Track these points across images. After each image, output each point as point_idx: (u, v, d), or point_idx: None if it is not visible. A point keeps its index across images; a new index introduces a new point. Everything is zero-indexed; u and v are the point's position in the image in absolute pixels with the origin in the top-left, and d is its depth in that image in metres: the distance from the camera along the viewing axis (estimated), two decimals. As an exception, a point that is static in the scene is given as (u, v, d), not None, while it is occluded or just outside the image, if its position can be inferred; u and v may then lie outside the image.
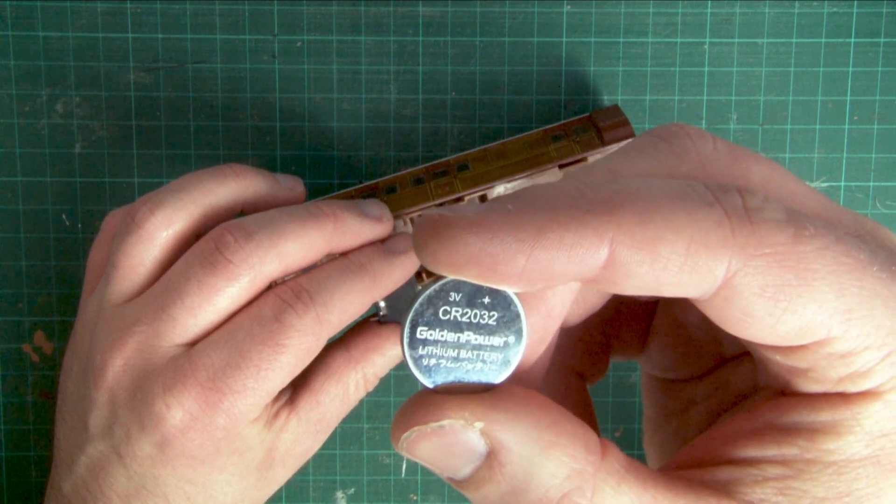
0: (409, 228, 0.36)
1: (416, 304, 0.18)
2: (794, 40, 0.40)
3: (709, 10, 0.40)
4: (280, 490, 0.42)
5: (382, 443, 0.42)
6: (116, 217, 0.36)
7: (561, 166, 0.35)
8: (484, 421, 0.17)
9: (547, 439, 0.17)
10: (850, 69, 0.40)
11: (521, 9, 0.40)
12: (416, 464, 0.42)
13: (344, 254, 0.33)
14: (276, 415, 0.33)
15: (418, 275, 0.37)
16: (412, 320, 0.18)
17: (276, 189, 0.35)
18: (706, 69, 0.40)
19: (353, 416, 0.42)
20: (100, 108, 0.40)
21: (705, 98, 0.41)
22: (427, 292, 0.17)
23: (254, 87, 0.40)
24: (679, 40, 0.40)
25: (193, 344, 0.31)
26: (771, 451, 0.17)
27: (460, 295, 0.18)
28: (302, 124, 0.41)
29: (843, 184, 0.41)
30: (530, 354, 0.19)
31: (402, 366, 0.38)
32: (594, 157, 0.35)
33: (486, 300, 0.18)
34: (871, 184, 0.41)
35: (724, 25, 0.40)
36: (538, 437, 0.17)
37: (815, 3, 0.40)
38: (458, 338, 0.18)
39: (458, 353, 0.18)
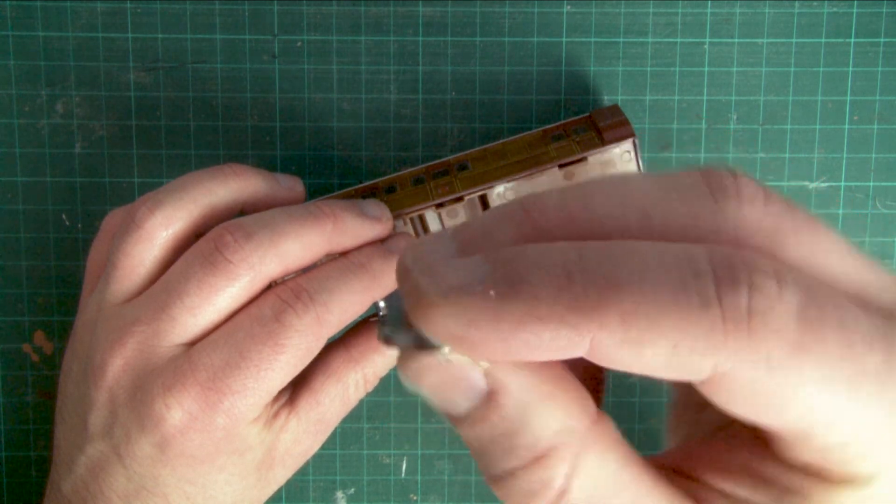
0: (410, 228, 0.36)
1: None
2: (794, 40, 0.40)
3: (709, 10, 0.40)
4: (280, 490, 0.42)
5: (382, 443, 0.42)
6: (116, 217, 0.36)
7: (561, 166, 0.35)
8: (490, 362, 0.17)
9: (546, 391, 0.17)
10: (850, 69, 0.40)
11: (521, 9, 0.40)
12: (416, 464, 0.42)
13: (344, 254, 0.33)
14: (276, 415, 0.33)
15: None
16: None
17: (275, 189, 0.35)
18: (706, 69, 0.40)
19: (353, 416, 0.42)
20: (100, 108, 0.40)
21: (705, 98, 0.40)
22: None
23: (254, 87, 0.40)
24: (679, 40, 0.40)
25: (193, 344, 0.31)
26: (742, 492, 0.18)
27: None
28: (302, 124, 0.41)
29: (843, 184, 0.41)
30: None
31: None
32: (594, 156, 0.35)
33: None
34: (871, 184, 0.41)
35: (724, 25, 0.40)
36: (537, 387, 0.17)
37: (815, 3, 0.40)
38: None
39: None
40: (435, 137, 0.41)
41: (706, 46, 0.40)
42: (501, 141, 0.38)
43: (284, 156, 0.41)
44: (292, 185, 0.36)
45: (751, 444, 0.18)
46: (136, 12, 0.40)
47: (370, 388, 0.35)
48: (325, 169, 0.41)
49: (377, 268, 0.33)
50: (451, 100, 0.41)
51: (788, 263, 0.16)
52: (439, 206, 0.35)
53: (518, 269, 0.15)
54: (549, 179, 0.36)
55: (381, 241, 0.34)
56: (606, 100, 0.41)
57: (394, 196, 0.36)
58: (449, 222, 0.36)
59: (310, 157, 0.41)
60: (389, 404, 0.42)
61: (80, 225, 0.41)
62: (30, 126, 0.40)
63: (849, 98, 0.41)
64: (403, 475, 0.43)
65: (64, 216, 0.41)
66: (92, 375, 0.31)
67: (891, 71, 0.40)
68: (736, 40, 0.40)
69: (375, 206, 0.34)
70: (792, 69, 0.40)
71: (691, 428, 0.23)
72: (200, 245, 0.31)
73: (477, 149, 0.38)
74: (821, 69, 0.40)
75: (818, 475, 0.17)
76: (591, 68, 0.40)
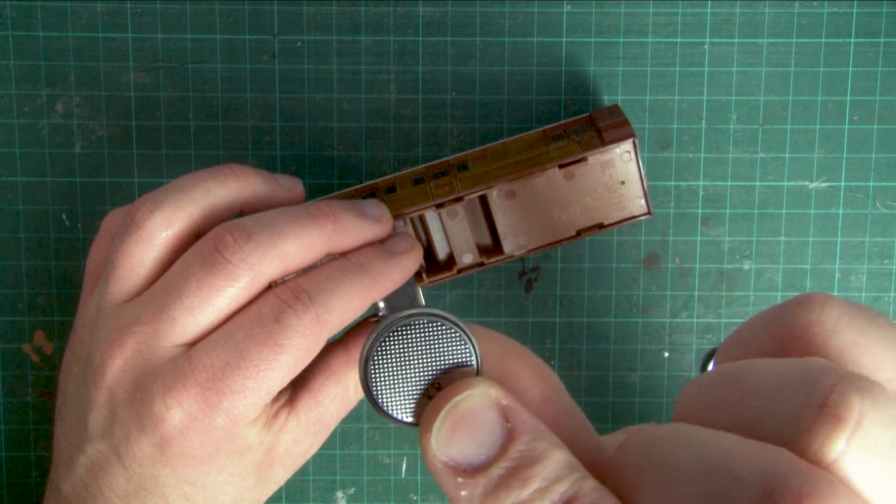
0: (409, 229, 0.36)
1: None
2: (794, 40, 0.40)
3: (709, 10, 0.40)
4: (280, 490, 0.42)
5: (382, 443, 0.42)
6: (116, 217, 0.36)
7: (561, 166, 0.35)
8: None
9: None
10: (850, 69, 0.40)
11: (521, 9, 0.40)
12: (416, 464, 0.42)
13: (343, 254, 0.33)
14: (276, 415, 0.33)
15: (418, 275, 0.37)
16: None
17: (275, 189, 0.35)
18: (706, 69, 0.40)
19: (353, 416, 0.42)
20: (100, 108, 0.40)
21: (705, 98, 0.40)
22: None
23: (254, 87, 0.40)
24: (679, 40, 0.40)
25: (193, 344, 0.31)
26: None
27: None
28: (302, 124, 0.41)
29: (843, 184, 0.41)
30: None
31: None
32: (594, 156, 0.35)
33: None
34: (871, 184, 0.41)
35: (724, 25, 0.40)
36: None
37: (815, 3, 0.40)
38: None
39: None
40: (435, 137, 0.41)
41: (706, 46, 0.40)
42: (501, 141, 0.38)
43: (284, 156, 0.41)
44: (292, 186, 0.36)
45: None
46: (136, 12, 0.40)
47: (370, 388, 0.35)
48: (325, 169, 0.41)
49: (377, 268, 0.33)
50: (451, 100, 0.41)
51: None
52: (439, 206, 0.35)
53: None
54: (548, 179, 0.36)
55: (381, 242, 0.34)
56: (606, 100, 0.41)
57: (394, 196, 0.36)
58: (449, 222, 0.36)
59: (310, 157, 0.41)
60: (389, 404, 0.42)
61: (80, 225, 0.41)
62: (30, 126, 0.40)
63: (849, 98, 0.41)
64: (403, 475, 0.43)
65: (64, 216, 0.41)
66: (92, 375, 0.31)
67: (891, 71, 0.40)
68: (736, 40, 0.40)
69: (375, 207, 0.34)
70: (792, 69, 0.40)
71: None
72: (200, 245, 0.31)
73: (477, 149, 0.38)
74: (821, 69, 0.40)
75: None
76: (591, 68, 0.40)
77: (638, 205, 0.36)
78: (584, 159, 0.35)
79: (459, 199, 0.35)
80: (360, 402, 0.41)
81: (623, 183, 0.36)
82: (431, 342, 0.20)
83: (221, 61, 0.40)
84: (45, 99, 0.40)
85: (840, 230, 0.41)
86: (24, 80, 0.40)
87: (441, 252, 0.37)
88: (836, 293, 0.42)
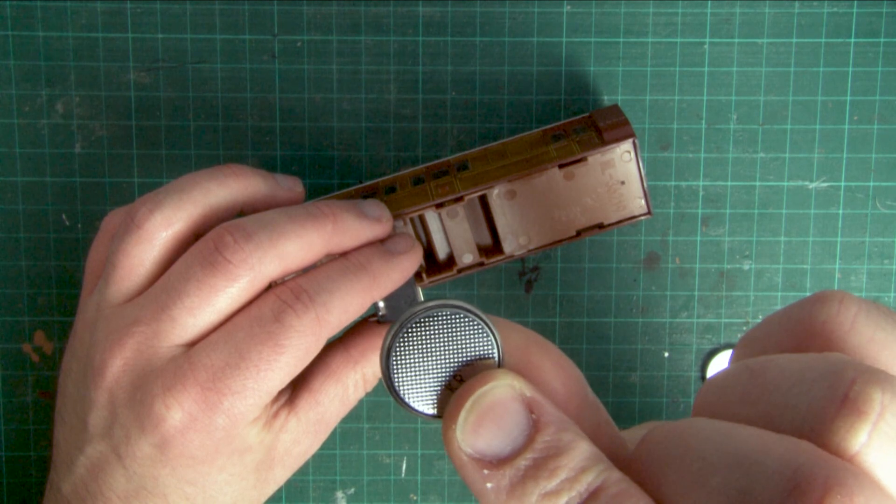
0: (409, 229, 0.36)
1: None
2: (794, 40, 0.40)
3: (709, 10, 0.40)
4: (280, 490, 0.42)
5: (382, 443, 0.42)
6: (116, 217, 0.36)
7: (561, 166, 0.35)
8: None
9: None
10: (850, 69, 0.40)
11: (521, 9, 0.40)
12: (416, 464, 0.42)
13: (343, 254, 0.33)
14: (276, 415, 0.33)
15: (418, 275, 0.37)
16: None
17: (275, 189, 0.35)
18: (706, 69, 0.40)
19: (353, 416, 0.42)
20: (100, 108, 0.40)
21: (705, 98, 0.40)
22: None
23: (254, 87, 0.40)
24: (679, 40, 0.40)
25: (193, 344, 0.31)
26: None
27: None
28: (302, 124, 0.41)
29: (843, 184, 0.41)
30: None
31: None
32: (594, 156, 0.35)
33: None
34: (871, 184, 0.41)
35: (724, 25, 0.40)
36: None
37: (815, 3, 0.40)
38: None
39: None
40: (435, 137, 0.41)
41: (706, 46, 0.40)
42: (501, 141, 0.38)
43: (284, 156, 0.41)
44: (292, 186, 0.36)
45: None
46: (136, 12, 0.40)
47: (370, 388, 0.35)
48: (325, 169, 0.41)
49: (377, 268, 0.33)
50: (451, 100, 0.41)
51: None
52: (439, 205, 0.35)
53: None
54: (548, 179, 0.36)
55: (381, 242, 0.34)
56: (606, 100, 0.41)
57: (394, 196, 0.36)
58: (449, 222, 0.36)
59: (310, 157, 0.41)
60: (389, 404, 0.42)
61: (80, 225, 0.41)
62: (30, 126, 0.40)
63: (849, 98, 0.41)
64: (403, 475, 0.43)
65: (64, 216, 0.41)
66: (92, 375, 0.31)
67: (891, 71, 0.40)
68: (736, 40, 0.40)
69: (375, 207, 0.34)
70: (792, 69, 0.40)
71: None
72: (200, 245, 0.31)
73: (477, 149, 0.38)
74: (821, 69, 0.40)
75: None
76: (591, 68, 0.40)
77: (638, 205, 0.36)
78: (584, 159, 0.35)
79: (459, 199, 0.35)
80: (360, 402, 0.41)
81: (623, 183, 0.36)
82: (453, 334, 0.20)
83: (221, 61, 0.40)
84: (45, 99, 0.40)
85: (840, 230, 0.41)
86: (24, 80, 0.40)
87: (441, 252, 0.37)
88: (836, 293, 0.42)
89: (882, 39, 0.40)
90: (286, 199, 0.36)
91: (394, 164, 0.41)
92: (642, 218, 0.36)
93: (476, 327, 0.20)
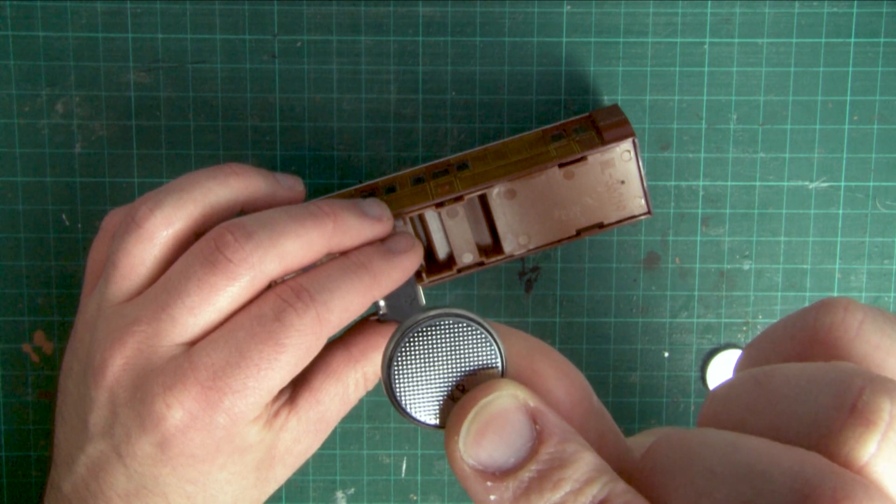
0: (409, 228, 0.36)
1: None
2: (794, 40, 0.40)
3: (709, 10, 0.40)
4: (280, 490, 0.42)
5: (382, 443, 0.42)
6: (116, 216, 0.36)
7: (561, 166, 0.35)
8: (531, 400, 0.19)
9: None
10: (850, 69, 0.40)
11: (521, 9, 0.40)
12: (416, 464, 0.42)
13: (344, 253, 0.33)
14: (276, 414, 0.33)
15: (418, 274, 0.37)
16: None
17: (275, 188, 0.35)
18: (706, 69, 0.40)
19: (353, 416, 0.42)
20: (100, 108, 0.40)
21: (705, 98, 0.41)
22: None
23: (254, 87, 0.40)
24: (679, 40, 0.40)
25: (194, 343, 0.31)
26: None
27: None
28: (302, 124, 0.41)
29: (842, 184, 0.41)
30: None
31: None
32: (594, 156, 0.35)
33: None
34: (871, 184, 0.41)
35: (724, 25, 0.40)
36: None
37: (815, 3, 0.40)
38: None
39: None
40: (435, 137, 0.41)
41: (706, 46, 0.40)
42: (501, 141, 0.38)
43: (284, 156, 0.41)
44: (292, 185, 0.36)
45: None
46: (136, 12, 0.40)
47: (370, 387, 0.35)
48: (325, 169, 0.41)
49: (377, 267, 0.33)
50: (451, 100, 0.41)
51: None
52: (439, 205, 0.35)
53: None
54: (548, 179, 0.36)
55: (381, 241, 0.34)
56: (606, 100, 0.41)
57: (394, 195, 0.36)
58: (449, 222, 0.36)
59: (310, 157, 0.41)
60: (390, 404, 0.42)
61: (80, 225, 0.41)
62: (30, 126, 0.40)
63: (849, 98, 0.41)
64: (403, 475, 0.43)
65: (64, 216, 0.41)
66: (92, 375, 0.31)
67: (891, 71, 0.40)
68: (736, 40, 0.40)
69: (376, 206, 0.34)
70: (792, 69, 0.40)
71: None
72: (201, 244, 0.31)
73: (477, 148, 0.38)
74: (821, 69, 0.40)
75: None
76: (591, 68, 0.40)
77: (638, 204, 0.36)
78: (583, 159, 0.35)
79: (459, 199, 0.35)
80: (360, 402, 0.41)
81: (623, 182, 0.36)
82: (456, 343, 0.20)
83: (221, 61, 0.40)
84: (45, 99, 0.40)
85: (840, 230, 0.41)
86: (24, 80, 0.40)
87: (441, 251, 0.37)
88: (835, 293, 0.42)
89: (882, 39, 0.40)
90: (287, 199, 0.36)
91: (394, 164, 0.41)
92: (642, 217, 0.36)
93: (479, 336, 0.20)
